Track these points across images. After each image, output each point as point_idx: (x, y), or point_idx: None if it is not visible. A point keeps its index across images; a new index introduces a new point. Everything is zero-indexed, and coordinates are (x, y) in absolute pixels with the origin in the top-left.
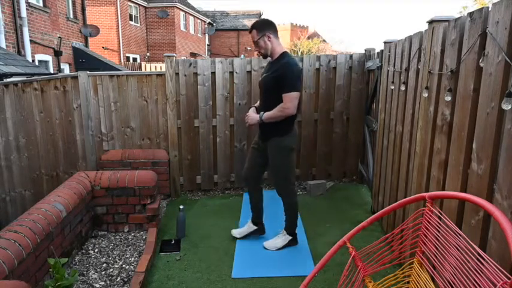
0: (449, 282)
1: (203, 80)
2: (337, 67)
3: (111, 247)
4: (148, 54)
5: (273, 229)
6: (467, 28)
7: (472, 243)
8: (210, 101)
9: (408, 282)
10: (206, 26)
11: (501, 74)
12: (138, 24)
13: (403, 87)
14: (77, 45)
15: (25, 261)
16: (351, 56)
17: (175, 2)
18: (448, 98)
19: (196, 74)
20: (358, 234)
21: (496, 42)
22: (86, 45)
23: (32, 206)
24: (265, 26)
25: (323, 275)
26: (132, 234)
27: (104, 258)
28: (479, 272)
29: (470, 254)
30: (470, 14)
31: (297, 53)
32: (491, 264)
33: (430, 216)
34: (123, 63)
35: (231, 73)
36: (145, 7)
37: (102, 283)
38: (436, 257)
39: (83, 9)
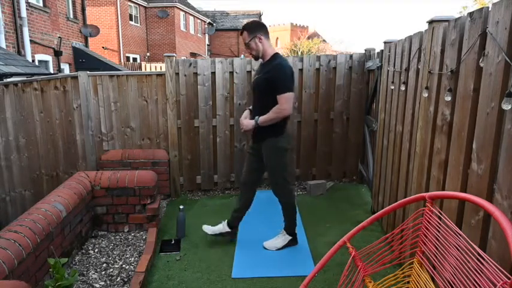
0: (449, 282)
1: (203, 80)
2: (337, 67)
3: (111, 247)
4: (148, 54)
5: (273, 229)
6: (467, 28)
7: (472, 243)
8: (210, 101)
9: (408, 282)
10: (206, 26)
11: (501, 74)
12: (138, 24)
13: (403, 87)
14: (77, 45)
15: (25, 261)
16: (351, 56)
17: (175, 2)
18: (448, 98)
19: (196, 74)
20: (358, 234)
21: (496, 42)
22: (86, 45)
23: (32, 206)
24: (256, 28)
25: (323, 275)
26: (132, 234)
27: (104, 258)
28: (479, 272)
29: (470, 254)
30: (470, 14)
31: (297, 53)
32: (491, 264)
33: (430, 216)
34: (123, 63)
35: (231, 73)
36: (145, 7)
37: (102, 283)
38: (436, 257)
39: (83, 9)
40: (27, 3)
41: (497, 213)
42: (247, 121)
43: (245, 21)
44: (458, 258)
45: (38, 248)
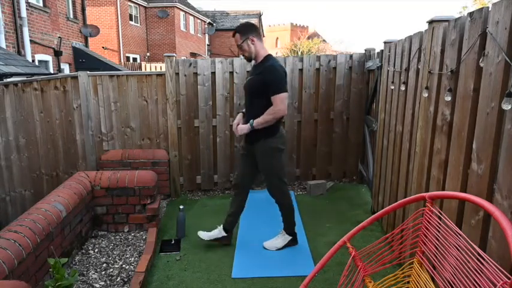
0: (449, 282)
1: (203, 80)
2: (337, 67)
3: (111, 247)
4: (148, 54)
5: (273, 229)
6: (467, 28)
7: (472, 243)
8: (210, 101)
9: (408, 282)
10: (206, 26)
11: (501, 74)
12: (138, 24)
13: (403, 87)
14: (77, 45)
15: (25, 261)
16: (351, 56)
17: (175, 2)
18: (448, 98)
19: (196, 74)
20: (358, 234)
21: (496, 42)
22: (86, 45)
23: (32, 206)
24: (248, 30)
25: (323, 275)
26: (132, 234)
27: (104, 258)
28: (479, 272)
29: (470, 254)
30: (470, 14)
31: (297, 53)
32: (491, 264)
33: (430, 216)
34: (123, 63)
35: (231, 73)
36: (145, 7)
37: (102, 283)
38: (436, 257)
39: (83, 9)
40: (27, 3)
41: (497, 213)
42: (241, 126)
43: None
44: (458, 258)
45: (38, 248)
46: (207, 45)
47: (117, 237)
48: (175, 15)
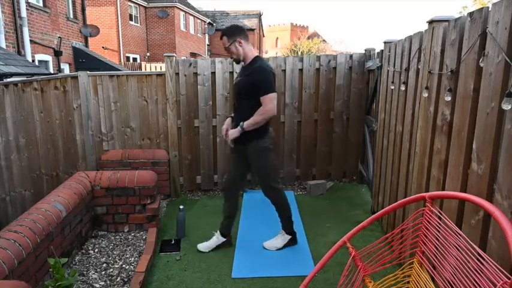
0: (449, 282)
1: (203, 80)
2: (337, 67)
3: (111, 247)
4: (148, 54)
5: (273, 229)
6: (467, 28)
7: (472, 243)
8: (210, 101)
9: (408, 282)
10: (206, 26)
11: (501, 74)
12: (138, 24)
13: (403, 87)
14: (77, 45)
15: (25, 261)
16: (351, 56)
17: (175, 2)
18: (448, 98)
19: (196, 74)
20: (358, 234)
21: (496, 42)
22: (86, 45)
23: (32, 206)
24: (235, 32)
25: (323, 275)
26: (132, 234)
27: (104, 258)
28: (479, 272)
29: (470, 254)
30: (470, 14)
31: (297, 53)
32: (491, 264)
33: (430, 216)
34: (123, 63)
35: (231, 73)
36: (145, 7)
37: (102, 283)
38: (436, 257)
39: (83, 9)
40: (27, 3)
41: (497, 213)
42: (231, 131)
43: (245, 21)
44: (458, 258)
45: (38, 248)
46: (207, 45)
47: (117, 237)
48: (175, 15)
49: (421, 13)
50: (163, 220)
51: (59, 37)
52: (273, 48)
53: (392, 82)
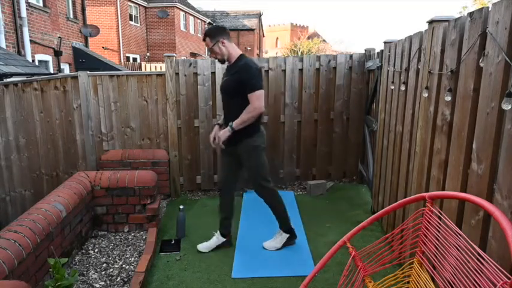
0: (449, 282)
1: (203, 80)
2: (337, 67)
3: (111, 247)
4: (148, 54)
5: (273, 229)
6: (467, 28)
7: (472, 243)
8: (210, 101)
9: (408, 282)
10: (206, 26)
11: (501, 74)
12: (138, 24)
13: (403, 87)
14: (77, 45)
15: (25, 261)
16: (351, 56)
17: (175, 2)
18: (448, 98)
19: (196, 74)
20: (358, 234)
21: (496, 42)
22: (86, 45)
23: (32, 206)
24: (217, 32)
25: (323, 275)
26: (132, 234)
27: (104, 258)
28: (479, 272)
29: (470, 254)
30: (470, 14)
31: (297, 53)
32: (491, 264)
33: (430, 216)
34: (123, 63)
35: None
36: (145, 7)
37: (102, 283)
38: (436, 257)
39: (83, 9)
40: (27, 3)
41: (497, 213)
42: (221, 132)
43: (245, 21)
44: (458, 258)
45: (38, 248)
46: None
47: (117, 237)
48: (175, 15)
49: (421, 13)
50: (163, 220)
51: (59, 37)
52: (273, 48)
53: (393, 82)
